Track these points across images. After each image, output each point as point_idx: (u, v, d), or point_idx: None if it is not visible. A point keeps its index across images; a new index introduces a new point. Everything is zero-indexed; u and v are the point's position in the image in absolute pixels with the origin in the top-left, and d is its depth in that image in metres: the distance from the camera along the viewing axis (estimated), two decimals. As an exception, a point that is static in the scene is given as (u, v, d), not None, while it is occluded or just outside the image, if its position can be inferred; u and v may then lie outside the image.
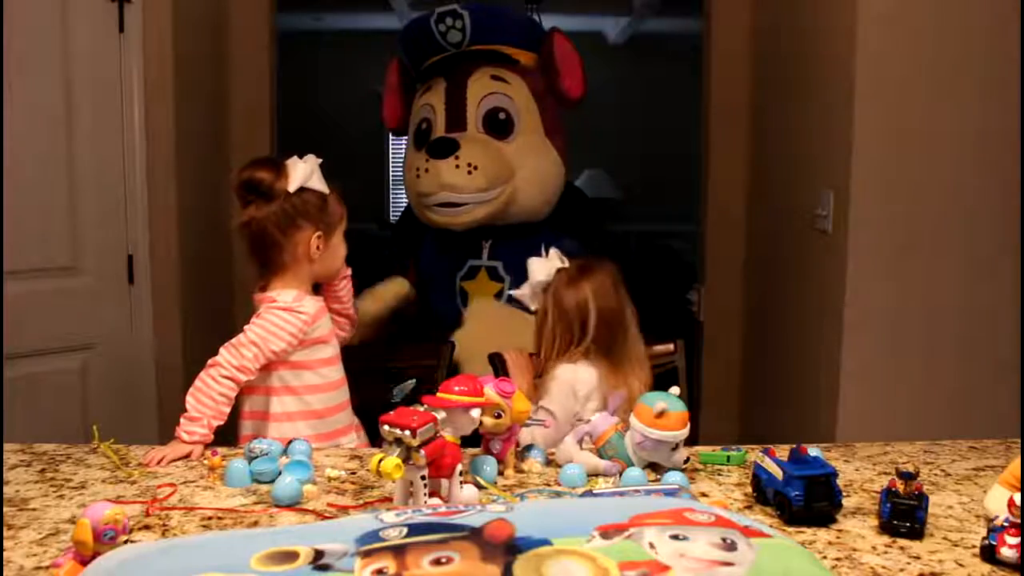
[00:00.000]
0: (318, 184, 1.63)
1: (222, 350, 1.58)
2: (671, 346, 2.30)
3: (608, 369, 1.73)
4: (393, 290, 2.92)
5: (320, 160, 1.66)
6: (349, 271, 1.79)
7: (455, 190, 2.74)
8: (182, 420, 1.50)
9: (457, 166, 2.72)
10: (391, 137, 7.04)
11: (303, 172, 1.61)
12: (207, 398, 1.53)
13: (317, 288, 1.74)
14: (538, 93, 2.91)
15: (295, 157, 1.63)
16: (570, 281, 1.75)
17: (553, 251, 1.83)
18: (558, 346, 1.74)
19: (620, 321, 1.76)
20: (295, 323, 1.60)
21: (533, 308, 1.81)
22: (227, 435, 1.61)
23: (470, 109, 2.83)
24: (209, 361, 1.57)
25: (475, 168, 2.72)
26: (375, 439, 1.63)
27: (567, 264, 1.79)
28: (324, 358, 1.68)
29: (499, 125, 2.84)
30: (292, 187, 1.60)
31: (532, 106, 2.89)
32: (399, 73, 3.11)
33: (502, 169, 2.78)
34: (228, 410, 1.56)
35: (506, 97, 2.85)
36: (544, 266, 1.79)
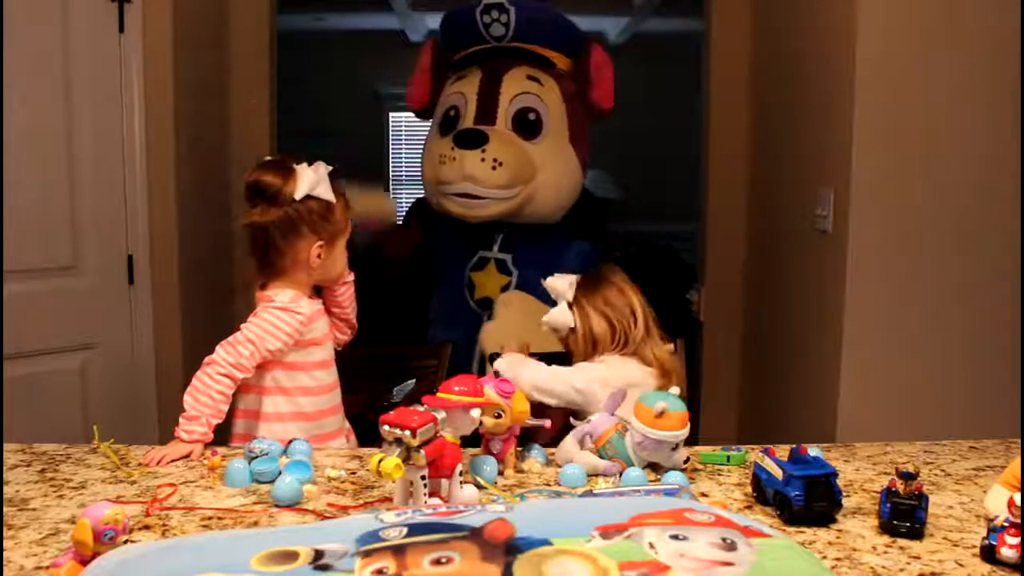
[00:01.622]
0: (325, 193, 1.62)
1: (219, 348, 1.58)
2: (671, 346, 2.30)
3: (659, 344, 1.83)
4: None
5: (331, 168, 1.66)
6: (351, 277, 1.78)
7: (477, 182, 2.74)
8: (181, 420, 1.50)
9: (483, 159, 2.72)
10: (390, 136, 7.04)
11: (310, 180, 1.61)
12: (205, 396, 1.53)
13: (319, 290, 1.74)
14: (569, 98, 2.92)
15: (305, 164, 1.63)
16: (604, 282, 1.85)
17: (557, 275, 1.89)
18: (619, 341, 1.81)
19: (651, 311, 1.86)
20: (291, 323, 1.61)
21: (572, 325, 1.84)
22: (224, 434, 1.61)
23: (502, 105, 2.84)
24: (205, 359, 1.57)
25: (500, 164, 2.73)
26: (371, 441, 1.63)
27: (572, 278, 1.88)
28: (317, 361, 1.68)
29: (528, 125, 2.85)
30: (298, 194, 1.60)
31: (562, 111, 2.90)
32: (432, 56, 3.11)
33: (525, 169, 2.79)
34: (226, 408, 1.56)
35: (538, 99, 2.86)
36: (564, 280, 1.86)
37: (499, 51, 2.91)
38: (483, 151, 2.72)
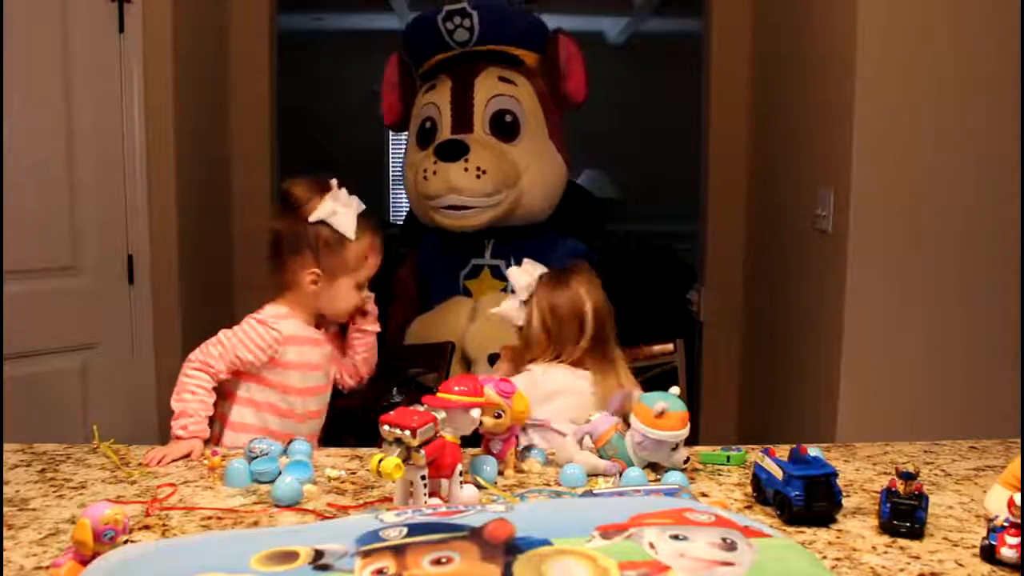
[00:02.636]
0: (340, 225, 1.59)
1: (197, 349, 1.60)
2: (670, 346, 2.30)
3: (603, 367, 1.72)
4: None
5: (362, 208, 1.63)
6: (373, 327, 1.74)
7: (462, 193, 2.72)
8: (172, 423, 1.52)
9: (466, 169, 2.70)
10: (390, 137, 7.04)
11: (327, 208, 1.59)
12: (186, 392, 1.55)
13: (345, 326, 1.73)
14: (542, 95, 2.90)
15: (337, 190, 1.61)
16: (560, 283, 1.75)
17: (527, 261, 1.82)
18: (554, 350, 1.72)
19: (610, 319, 1.76)
20: (265, 337, 1.60)
21: (520, 323, 1.77)
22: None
23: (477, 110, 2.81)
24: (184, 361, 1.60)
25: (483, 172, 2.71)
26: (371, 441, 1.62)
27: (545, 270, 1.80)
28: (295, 386, 1.64)
29: (505, 127, 2.82)
30: (313, 216, 1.59)
31: (537, 108, 2.88)
32: (399, 69, 3.09)
33: (509, 173, 2.78)
34: (211, 400, 1.57)
35: (513, 99, 2.84)
36: (526, 273, 1.78)
37: (466, 56, 2.89)
38: (465, 161, 2.70)
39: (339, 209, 1.60)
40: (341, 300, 1.66)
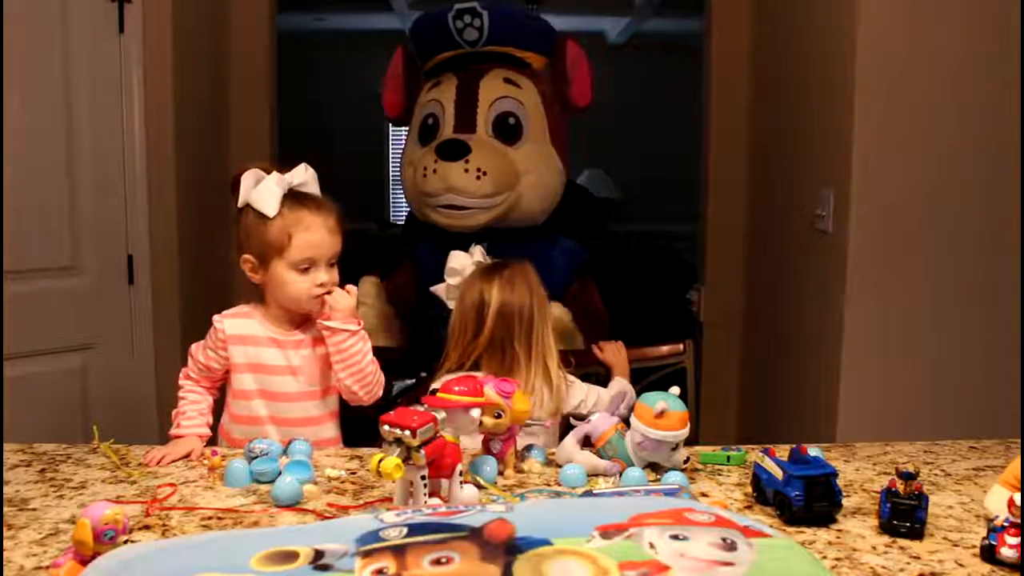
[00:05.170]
0: (258, 203, 1.50)
1: None
2: (680, 346, 2.30)
3: (500, 369, 1.66)
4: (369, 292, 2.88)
5: (295, 183, 1.54)
6: (338, 325, 1.51)
7: (462, 194, 2.71)
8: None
9: (466, 170, 2.69)
10: (390, 136, 7.04)
11: (246, 189, 1.51)
12: (180, 399, 1.58)
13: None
14: (546, 98, 2.90)
15: (253, 171, 1.53)
16: (476, 277, 1.71)
17: (475, 247, 1.78)
18: (455, 342, 1.69)
19: (523, 318, 1.68)
20: (213, 337, 1.57)
21: (451, 306, 1.75)
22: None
23: (481, 111, 2.80)
24: None
25: (484, 173, 2.70)
26: (371, 441, 1.61)
27: (486, 261, 1.76)
28: (241, 389, 1.57)
29: (508, 130, 2.81)
30: (240, 203, 1.52)
31: (541, 112, 2.87)
32: (404, 62, 3.08)
33: (508, 176, 2.77)
34: (204, 400, 1.59)
35: (517, 102, 2.83)
36: (460, 259, 1.75)
37: (473, 55, 2.88)
38: (466, 162, 2.68)
39: (257, 188, 1.51)
40: (286, 287, 1.52)
